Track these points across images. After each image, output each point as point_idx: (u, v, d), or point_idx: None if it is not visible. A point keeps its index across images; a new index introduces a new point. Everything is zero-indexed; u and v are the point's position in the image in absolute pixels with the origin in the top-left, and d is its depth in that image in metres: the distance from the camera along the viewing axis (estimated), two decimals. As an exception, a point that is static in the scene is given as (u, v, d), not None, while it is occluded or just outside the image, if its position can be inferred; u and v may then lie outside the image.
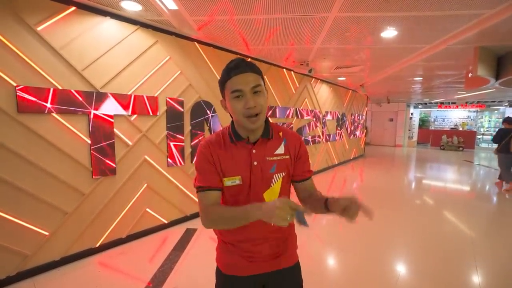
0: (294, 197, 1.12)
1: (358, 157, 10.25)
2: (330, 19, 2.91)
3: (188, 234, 3.30)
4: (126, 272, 2.55)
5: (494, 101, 13.37)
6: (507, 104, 13.37)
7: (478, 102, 14.15)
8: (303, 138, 2.85)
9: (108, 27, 2.73)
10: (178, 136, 3.46)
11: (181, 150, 3.52)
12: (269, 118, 1.03)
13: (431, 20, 2.90)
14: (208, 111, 3.83)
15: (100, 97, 2.69)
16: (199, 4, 2.57)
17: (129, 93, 2.92)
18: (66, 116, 2.49)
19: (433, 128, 17.13)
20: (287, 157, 1.04)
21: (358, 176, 7.16)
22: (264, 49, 4.17)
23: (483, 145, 15.03)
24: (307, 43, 3.82)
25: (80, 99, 2.55)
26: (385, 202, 4.86)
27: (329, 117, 7.52)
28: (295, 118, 5.98)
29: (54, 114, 2.41)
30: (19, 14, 2.18)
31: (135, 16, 2.88)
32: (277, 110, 5.33)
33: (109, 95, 2.75)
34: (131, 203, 3.06)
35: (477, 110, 16.31)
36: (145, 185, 3.18)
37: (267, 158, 1.01)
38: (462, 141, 13.29)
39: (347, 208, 0.85)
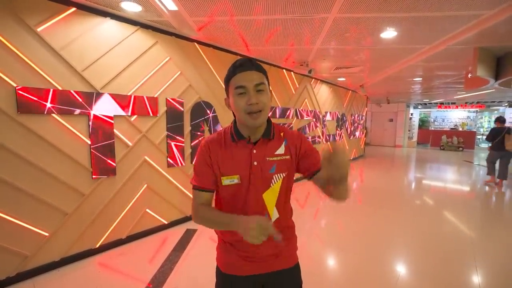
0: (294, 196, 1.12)
1: (358, 157, 10.25)
2: (330, 19, 2.91)
3: (188, 235, 3.30)
4: (126, 272, 2.54)
5: (494, 102, 13.38)
6: (506, 104, 13.38)
7: (477, 102, 14.17)
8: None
9: (108, 27, 2.73)
10: (178, 136, 3.46)
11: (181, 151, 3.52)
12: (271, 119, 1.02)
13: (430, 20, 2.90)
14: (208, 112, 3.83)
15: (100, 98, 2.69)
16: (199, 4, 2.57)
17: (129, 94, 2.93)
18: (66, 117, 2.50)
19: (433, 129, 17.13)
20: (288, 157, 1.03)
21: (358, 176, 7.15)
22: (264, 49, 4.18)
23: (483, 145, 15.03)
24: (307, 43, 3.82)
25: (80, 99, 2.55)
26: (385, 203, 4.86)
27: (328, 117, 7.52)
28: (295, 118, 5.98)
29: (54, 115, 2.42)
30: (19, 15, 2.18)
31: (135, 17, 2.88)
32: (277, 110, 5.34)
33: (109, 95, 2.75)
34: (131, 204, 3.06)
35: (476, 111, 16.33)
36: (145, 185, 3.18)
37: (267, 158, 1.01)
38: (462, 141, 13.31)
39: (332, 167, 0.82)
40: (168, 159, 3.39)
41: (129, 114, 2.94)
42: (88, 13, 2.58)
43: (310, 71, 5.10)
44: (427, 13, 2.71)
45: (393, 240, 3.32)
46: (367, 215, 4.19)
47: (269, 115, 4.72)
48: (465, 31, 3.20)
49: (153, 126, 3.19)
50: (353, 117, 9.49)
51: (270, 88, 1.05)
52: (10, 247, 2.26)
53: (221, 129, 1.10)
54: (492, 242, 3.28)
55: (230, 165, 1.02)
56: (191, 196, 3.75)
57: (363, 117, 10.80)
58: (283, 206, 1.07)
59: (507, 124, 5.99)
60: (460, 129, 15.99)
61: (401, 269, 2.66)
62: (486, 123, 16.29)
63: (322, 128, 7.22)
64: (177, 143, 3.47)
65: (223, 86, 1.04)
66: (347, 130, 8.94)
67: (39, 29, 2.28)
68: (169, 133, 3.36)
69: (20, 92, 2.20)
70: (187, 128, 3.59)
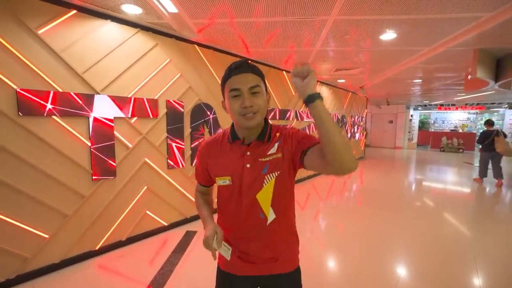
0: (297, 196, 1.12)
1: (358, 159, 10.24)
2: (330, 22, 2.93)
3: (188, 237, 3.30)
4: (126, 275, 2.54)
5: (494, 103, 13.39)
6: (506, 106, 13.39)
7: (477, 104, 14.18)
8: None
9: (108, 30, 2.74)
10: (178, 138, 3.47)
11: (181, 152, 3.52)
12: (270, 121, 1.01)
13: (430, 22, 2.91)
14: (208, 113, 3.84)
15: (101, 100, 2.69)
16: (199, 7, 2.58)
17: (129, 96, 2.93)
18: (67, 119, 2.50)
19: (433, 130, 17.15)
20: (279, 155, 1.00)
21: (358, 178, 7.15)
22: (264, 51, 4.19)
23: None
24: (307, 45, 3.83)
25: (81, 102, 2.56)
26: (385, 204, 4.86)
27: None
28: (295, 120, 5.99)
29: (54, 117, 2.42)
30: (20, 17, 2.19)
31: (136, 19, 2.89)
32: (277, 112, 5.34)
33: (109, 97, 2.76)
34: (131, 206, 3.05)
35: (476, 112, 16.33)
36: (145, 187, 3.18)
37: (260, 159, 1.00)
38: (462, 143, 13.30)
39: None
40: (168, 160, 3.39)
41: (129, 116, 2.94)
42: (89, 16, 2.59)
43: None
44: (426, 15, 2.72)
45: (393, 242, 3.32)
46: (367, 217, 4.18)
47: (270, 116, 4.72)
48: (465, 33, 3.21)
49: (153, 128, 3.19)
50: (353, 119, 9.49)
51: (269, 90, 1.05)
52: (10, 249, 2.25)
53: (221, 130, 1.13)
54: (493, 243, 3.27)
55: (223, 167, 1.05)
56: (191, 198, 3.79)
57: (363, 119, 10.81)
58: (281, 207, 1.04)
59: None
60: (460, 130, 15.99)
61: (401, 271, 2.65)
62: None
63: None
64: (177, 145, 3.47)
65: (221, 89, 1.05)
66: (347, 131, 8.95)
67: (40, 32, 2.29)
68: (169, 135, 3.36)
69: (21, 94, 2.20)
70: (187, 130, 3.60)
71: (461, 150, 13.25)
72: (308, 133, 1.02)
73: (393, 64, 4.99)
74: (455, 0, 2.39)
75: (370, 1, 2.43)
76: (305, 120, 6.35)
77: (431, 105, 15.07)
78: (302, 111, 6.21)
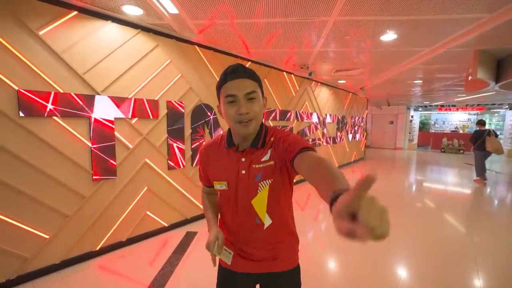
0: (295, 199, 1.13)
1: (359, 159, 10.24)
2: (330, 22, 2.93)
3: (189, 237, 3.30)
4: (126, 275, 2.54)
5: (494, 104, 13.37)
6: (507, 106, 13.37)
7: (478, 105, 14.16)
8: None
9: (109, 31, 2.75)
10: (178, 139, 3.47)
11: (181, 153, 3.52)
12: (268, 123, 0.99)
13: (430, 23, 2.91)
14: (208, 114, 3.84)
15: (101, 101, 2.70)
16: (199, 8, 2.59)
17: (129, 97, 2.94)
18: (67, 120, 2.50)
19: (433, 131, 17.12)
20: (272, 163, 0.97)
21: (358, 178, 7.14)
22: (264, 52, 4.19)
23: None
24: (307, 46, 3.83)
25: (81, 102, 2.56)
26: (386, 205, 4.84)
27: (329, 119, 7.52)
28: (296, 121, 5.99)
29: (55, 118, 2.43)
30: (21, 18, 2.20)
31: (136, 20, 2.90)
32: (277, 112, 5.34)
33: (110, 98, 2.77)
34: (131, 206, 3.06)
35: (477, 113, 16.31)
36: (146, 188, 3.18)
37: (254, 165, 0.99)
38: (462, 144, 13.28)
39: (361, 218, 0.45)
40: (169, 161, 3.39)
41: (130, 116, 2.95)
42: (90, 17, 2.60)
43: (310, 74, 5.11)
44: (427, 16, 2.72)
45: (393, 243, 3.31)
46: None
47: (270, 118, 4.69)
48: (465, 34, 3.21)
49: (154, 128, 3.20)
50: (353, 120, 9.49)
51: (265, 94, 1.04)
52: (11, 250, 2.26)
53: (221, 132, 1.14)
54: (493, 244, 3.26)
55: (220, 171, 1.06)
56: (191, 198, 3.79)
57: (363, 120, 10.80)
58: (277, 213, 1.04)
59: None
60: (461, 131, 15.96)
61: (402, 272, 2.65)
62: (487, 125, 16.27)
63: (323, 129, 7.23)
64: (178, 146, 3.48)
65: (217, 94, 1.03)
66: (347, 132, 8.94)
67: (41, 33, 2.30)
68: (169, 135, 3.36)
69: (22, 95, 2.21)
70: (188, 131, 3.60)
71: (461, 151, 13.23)
72: (296, 136, 0.95)
73: (394, 65, 4.99)
74: (455, 1, 2.39)
75: (371, 1, 2.43)
76: (305, 120, 6.35)
77: (431, 106, 15.06)
78: (302, 112, 6.21)
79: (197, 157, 1.18)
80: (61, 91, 2.44)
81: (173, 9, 2.61)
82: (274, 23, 2.96)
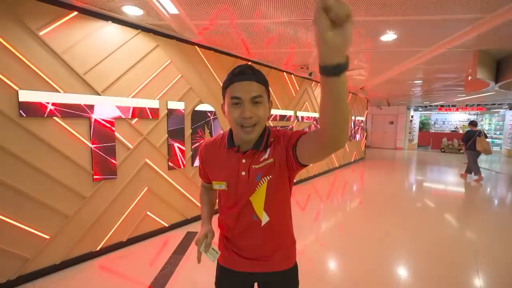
0: (295, 199, 1.13)
1: (359, 160, 10.24)
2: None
3: (189, 238, 3.30)
4: (126, 275, 2.54)
5: (494, 104, 13.37)
6: (507, 107, 13.37)
7: (478, 105, 14.16)
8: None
9: (109, 31, 2.75)
10: (178, 139, 3.47)
11: (181, 153, 3.53)
12: (269, 123, 0.98)
13: (430, 24, 2.92)
14: (209, 115, 3.85)
15: (101, 101, 2.70)
16: (200, 8, 2.59)
17: (130, 97, 2.94)
18: (68, 120, 2.51)
19: (433, 131, 17.14)
20: (271, 161, 0.97)
21: (358, 178, 7.15)
22: (264, 52, 4.19)
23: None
24: (307, 46, 3.84)
25: (81, 103, 2.56)
26: (386, 205, 4.85)
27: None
28: (296, 121, 6.00)
29: (55, 118, 2.43)
30: (22, 19, 2.20)
31: (136, 21, 2.90)
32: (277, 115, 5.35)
33: (110, 98, 2.77)
34: (131, 207, 3.06)
35: (477, 113, 16.32)
36: (146, 188, 3.18)
37: (253, 166, 0.99)
38: (462, 144, 13.27)
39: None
40: (169, 162, 3.39)
41: (130, 117, 2.95)
42: (90, 17, 2.60)
43: (310, 74, 5.12)
44: (426, 17, 2.73)
45: (393, 243, 3.31)
46: (368, 217, 4.18)
47: (271, 118, 4.68)
48: (465, 34, 3.21)
49: (154, 129, 3.20)
50: (353, 120, 9.49)
51: (271, 98, 1.03)
52: (11, 250, 2.26)
53: (222, 132, 1.13)
54: (494, 244, 3.26)
55: (219, 172, 1.06)
56: (191, 199, 3.79)
57: (364, 120, 10.80)
58: (274, 210, 1.04)
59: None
60: (461, 131, 15.96)
61: (402, 272, 2.65)
62: (487, 125, 16.28)
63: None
64: (178, 146, 3.48)
65: (222, 93, 1.03)
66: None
67: (41, 33, 2.30)
68: (169, 136, 3.37)
69: (22, 95, 2.21)
70: (188, 131, 3.60)
71: (461, 151, 13.22)
72: (293, 131, 0.98)
73: (394, 65, 4.99)
74: (455, 1, 2.39)
75: (371, 1, 2.44)
76: (305, 121, 6.35)
77: (431, 106, 15.07)
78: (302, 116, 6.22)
79: (197, 155, 1.20)
80: (61, 91, 2.44)
81: (173, 10, 2.62)
82: (274, 23, 2.96)
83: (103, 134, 2.74)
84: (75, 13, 2.50)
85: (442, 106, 15.21)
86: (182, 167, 3.55)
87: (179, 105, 3.43)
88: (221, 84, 1.00)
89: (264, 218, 1.03)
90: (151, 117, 3.14)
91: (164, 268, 2.62)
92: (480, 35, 3.20)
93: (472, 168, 6.84)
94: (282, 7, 2.56)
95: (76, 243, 2.65)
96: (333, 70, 0.57)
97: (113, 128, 2.82)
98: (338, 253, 3.06)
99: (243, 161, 1.00)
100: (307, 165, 0.97)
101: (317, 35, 0.53)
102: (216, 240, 1.20)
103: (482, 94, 8.12)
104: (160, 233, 3.38)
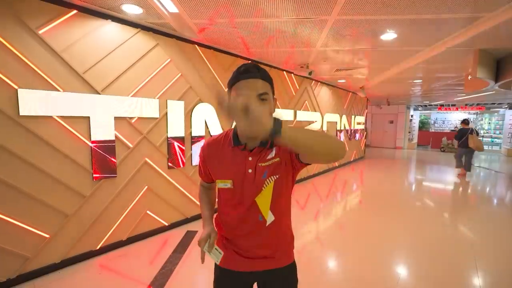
0: (294, 198, 1.13)
1: (359, 159, 10.25)
2: (330, 22, 2.93)
3: (189, 237, 3.30)
4: (126, 274, 2.54)
5: (494, 103, 13.38)
6: (506, 106, 13.38)
7: (478, 104, 14.17)
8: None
9: (109, 30, 2.75)
10: (178, 138, 3.47)
11: (181, 152, 3.52)
12: None
13: (430, 23, 2.91)
14: (209, 114, 3.84)
15: (101, 100, 2.70)
16: (199, 7, 2.59)
17: (130, 96, 2.93)
18: (67, 119, 2.50)
19: (433, 130, 17.15)
20: (277, 159, 0.99)
21: (358, 178, 7.15)
22: (264, 51, 4.19)
23: (484, 147, 15.00)
24: (307, 45, 3.83)
25: (81, 101, 2.56)
26: (385, 204, 4.86)
27: (329, 119, 7.52)
28: (295, 121, 6.00)
29: (55, 117, 2.42)
30: (21, 17, 2.19)
31: (136, 19, 2.89)
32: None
33: (110, 97, 2.76)
34: (131, 206, 3.06)
35: (477, 112, 16.33)
36: (146, 187, 3.18)
37: (260, 164, 0.99)
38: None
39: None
40: (169, 161, 3.39)
41: (130, 116, 2.95)
42: (89, 16, 2.59)
43: (310, 73, 5.11)
44: (427, 15, 2.72)
45: (393, 242, 3.32)
46: (367, 216, 4.18)
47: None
48: (465, 33, 3.21)
49: (154, 128, 3.20)
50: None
51: (275, 96, 1.03)
52: (11, 249, 2.26)
53: (225, 130, 1.12)
54: (493, 244, 3.27)
55: (224, 170, 1.04)
56: (191, 198, 3.79)
57: (363, 119, 10.80)
58: (280, 209, 1.04)
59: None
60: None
61: (401, 271, 2.65)
62: (487, 125, 16.29)
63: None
64: (178, 145, 3.48)
65: (224, 87, 1.05)
66: (347, 132, 8.93)
67: (40, 32, 2.29)
68: (169, 135, 3.36)
69: (22, 94, 2.20)
70: (188, 130, 3.60)
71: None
72: None
73: (394, 64, 4.99)
74: (455, 0, 2.39)
75: (371, 1, 2.43)
76: (304, 120, 6.35)
77: (431, 105, 15.07)
78: (302, 111, 6.21)
79: (199, 154, 1.18)
80: (61, 90, 2.44)
81: (173, 8, 2.61)
82: (274, 22, 2.95)
83: (102, 133, 2.73)
84: (75, 11, 2.49)
85: (442, 105, 15.22)
86: (182, 166, 3.54)
87: (179, 104, 3.43)
88: (221, 83, 1.00)
89: (270, 218, 1.03)
90: (151, 116, 3.13)
91: (164, 267, 2.62)
92: (480, 34, 3.19)
93: (457, 162, 7.31)
94: (282, 6, 2.55)
95: (76, 242, 2.65)
96: (271, 138, 0.67)
97: (113, 126, 2.81)
98: (337, 252, 3.06)
99: (250, 158, 1.00)
100: (310, 164, 1.00)
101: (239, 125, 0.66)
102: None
103: (482, 93, 8.13)
104: (160, 232, 3.38)
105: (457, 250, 3.08)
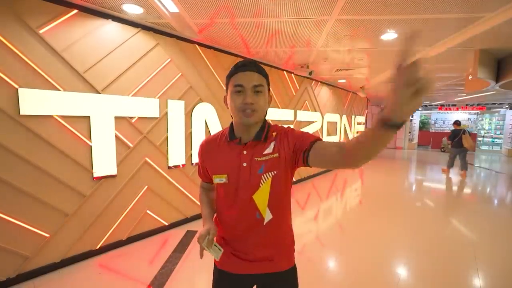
0: (295, 198, 1.13)
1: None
2: (331, 21, 2.93)
3: (189, 236, 3.30)
4: (126, 274, 2.54)
5: (495, 104, 13.37)
6: (507, 106, 13.36)
7: (478, 104, 14.15)
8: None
9: (109, 29, 2.75)
10: (178, 138, 3.47)
11: (182, 152, 3.52)
12: (270, 121, 1.00)
13: (431, 23, 2.91)
14: (209, 113, 3.84)
15: (101, 99, 2.70)
16: (200, 7, 2.59)
17: (130, 95, 2.94)
18: (68, 118, 2.50)
19: (433, 131, 17.12)
20: (276, 155, 1.00)
21: (358, 178, 7.15)
22: (264, 51, 4.19)
23: (484, 147, 15.02)
24: (308, 45, 3.83)
25: (81, 101, 2.56)
26: (385, 204, 4.86)
27: (329, 119, 7.52)
28: (295, 120, 5.99)
29: (55, 116, 2.42)
30: (22, 17, 2.20)
31: (137, 19, 2.89)
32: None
33: (110, 97, 2.76)
34: (131, 205, 3.06)
35: (477, 113, 16.31)
36: (146, 187, 3.18)
37: (256, 158, 1.01)
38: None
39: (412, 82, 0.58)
40: (169, 160, 3.39)
41: (130, 115, 2.95)
42: (90, 15, 2.59)
43: (310, 73, 5.11)
44: (427, 15, 2.72)
45: (393, 242, 3.31)
46: (367, 216, 4.18)
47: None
48: (466, 33, 3.20)
49: (154, 127, 3.20)
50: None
51: (271, 93, 1.07)
52: (11, 248, 2.26)
53: (222, 129, 1.14)
54: (493, 244, 3.27)
55: (219, 165, 1.06)
56: (191, 197, 3.79)
57: (364, 119, 10.80)
58: (278, 207, 1.04)
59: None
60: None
61: (401, 271, 2.65)
62: (487, 125, 16.26)
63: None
64: (178, 145, 3.47)
65: (224, 86, 1.07)
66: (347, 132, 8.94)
67: (41, 31, 2.29)
68: (169, 134, 3.36)
69: (22, 93, 2.21)
70: (188, 130, 3.60)
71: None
72: (302, 132, 1.02)
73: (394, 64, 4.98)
74: (456, 0, 2.38)
75: (371, 1, 2.43)
76: (305, 120, 6.35)
77: (431, 105, 15.05)
78: (302, 111, 6.21)
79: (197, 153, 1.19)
80: (61, 89, 2.44)
81: (173, 8, 2.61)
82: (274, 22, 2.95)
83: (103, 132, 2.73)
84: (75, 11, 2.49)
85: (442, 105, 15.20)
86: (182, 166, 3.54)
87: (179, 104, 3.43)
88: (221, 83, 1.03)
89: (267, 216, 1.02)
90: (151, 116, 3.13)
91: (164, 266, 2.62)
92: (480, 35, 3.19)
93: (449, 162, 7.52)
94: (283, 6, 2.55)
95: (76, 241, 2.65)
96: (396, 126, 0.63)
97: (113, 125, 2.81)
98: (338, 252, 3.06)
99: (244, 152, 1.02)
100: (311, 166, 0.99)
101: (399, 97, 0.59)
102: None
103: (483, 93, 8.13)
104: (160, 232, 3.38)
105: (457, 250, 3.08)
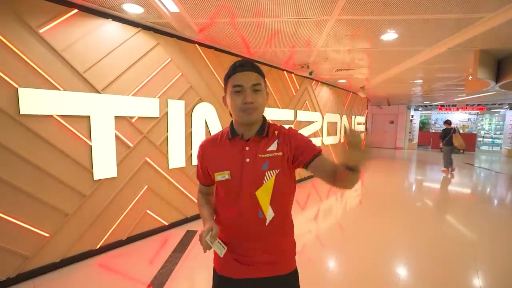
0: (295, 198, 1.13)
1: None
2: (331, 22, 2.92)
3: (189, 236, 3.30)
4: (126, 274, 2.54)
5: (495, 104, 13.36)
6: (507, 106, 13.36)
7: (478, 105, 14.15)
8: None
9: (109, 29, 2.75)
10: (178, 137, 3.47)
11: (181, 152, 3.52)
12: (268, 119, 1.04)
13: (431, 23, 2.91)
14: (209, 113, 3.84)
15: (101, 99, 2.70)
16: (200, 6, 2.59)
17: (130, 95, 2.93)
18: (68, 118, 2.50)
19: (433, 131, 17.12)
20: (280, 154, 1.02)
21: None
22: (264, 51, 4.19)
23: (484, 147, 15.02)
24: (308, 45, 3.83)
25: (81, 101, 2.56)
26: (385, 204, 4.85)
27: (329, 119, 7.52)
28: (295, 120, 5.99)
29: (55, 116, 2.42)
30: (22, 16, 2.19)
31: (137, 19, 2.89)
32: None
33: (111, 97, 2.76)
34: (131, 205, 3.06)
35: (477, 113, 16.30)
36: (146, 186, 3.18)
37: (259, 155, 1.02)
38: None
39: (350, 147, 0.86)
40: (169, 160, 3.39)
41: (130, 115, 2.95)
42: (90, 15, 2.59)
43: (310, 73, 5.10)
44: (427, 16, 2.72)
45: (393, 242, 3.31)
46: (367, 217, 4.18)
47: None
48: (466, 34, 3.20)
49: (154, 127, 3.20)
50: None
51: (267, 91, 1.09)
52: (11, 248, 2.26)
53: (220, 130, 1.15)
54: (493, 244, 3.27)
55: (221, 162, 1.06)
56: (191, 197, 3.79)
57: (364, 119, 10.79)
58: (280, 205, 1.04)
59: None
60: (461, 131, 15.96)
61: (401, 271, 2.65)
62: (487, 125, 16.26)
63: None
64: (178, 144, 3.47)
65: (223, 85, 1.08)
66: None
67: (41, 31, 2.29)
68: (169, 134, 3.36)
69: (22, 93, 2.20)
70: (188, 129, 3.60)
71: (461, 151, 13.22)
72: (306, 139, 1.06)
73: (394, 64, 4.98)
74: (456, 0, 2.38)
75: (372, 1, 2.43)
76: (305, 120, 6.34)
77: (431, 105, 15.05)
78: (302, 111, 6.21)
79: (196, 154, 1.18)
80: (61, 89, 2.44)
81: (173, 8, 2.61)
82: (275, 22, 2.95)
83: (103, 132, 2.73)
84: (75, 10, 2.49)
85: (442, 105, 15.19)
86: (182, 165, 3.54)
87: (179, 104, 3.43)
88: (221, 83, 1.04)
89: (269, 215, 1.02)
90: (151, 116, 3.13)
91: (164, 266, 2.62)
92: (480, 35, 3.19)
93: (446, 161, 7.65)
94: (283, 6, 2.55)
95: (76, 241, 2.65)
96: (354, 170, 0.87)
97: (113, 125, 2.81)
98: (338, 252, 3.06)
99: (247, 148, 1.03)
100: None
101: (349, 153, 0.86)
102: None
103: (483, 94, 8.13)
104: (159, 232, 3.38)
105: (457, 250, 3.07)
